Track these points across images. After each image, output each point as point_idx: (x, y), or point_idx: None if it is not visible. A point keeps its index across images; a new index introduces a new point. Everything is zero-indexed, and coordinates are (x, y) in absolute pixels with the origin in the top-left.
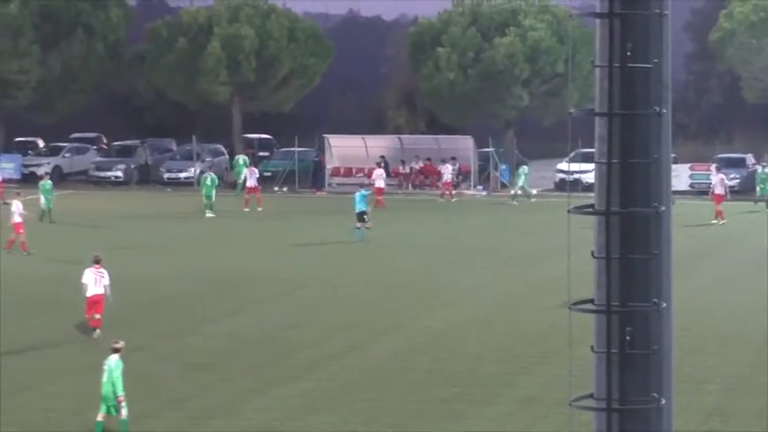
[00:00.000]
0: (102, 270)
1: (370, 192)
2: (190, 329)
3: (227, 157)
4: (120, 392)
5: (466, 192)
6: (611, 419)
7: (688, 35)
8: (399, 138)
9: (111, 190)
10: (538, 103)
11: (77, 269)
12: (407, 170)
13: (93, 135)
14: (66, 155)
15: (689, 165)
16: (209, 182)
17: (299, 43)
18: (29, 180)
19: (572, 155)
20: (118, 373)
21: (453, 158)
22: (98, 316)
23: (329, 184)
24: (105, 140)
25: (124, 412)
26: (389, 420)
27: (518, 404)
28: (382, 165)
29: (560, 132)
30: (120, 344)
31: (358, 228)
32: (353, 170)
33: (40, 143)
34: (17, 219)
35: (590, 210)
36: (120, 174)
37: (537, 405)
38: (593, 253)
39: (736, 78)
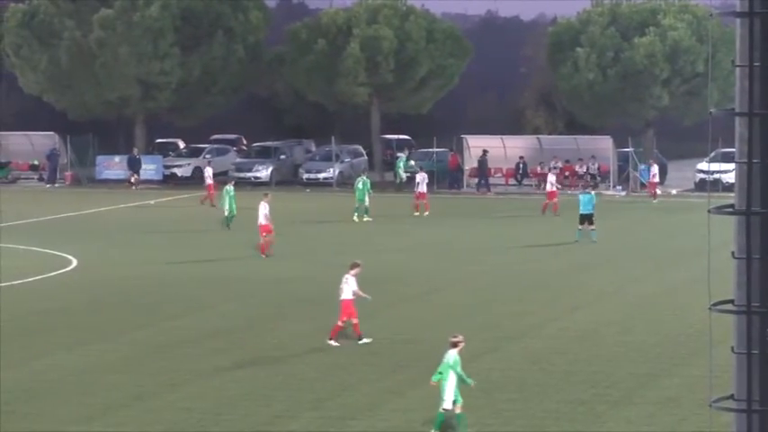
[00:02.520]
0: (349, 276)
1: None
2: (327, 330)
3: (365, 157)
4: (446, 389)
5: (605, 192)
6: (751, 421)
7: None
8: (538, 138)
9: (250, 191)
10: (677, 102)
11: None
12: (546, 170)
13: (233, 136)
14: (207, 156)
15: None
16: (360, 185)
17: (438, 44)
18: (169, 181)
19: (712, 155)
20: (458, 370)
21: (651, 160)
22: (355, 321)
23: (467, 185)
24: (245, 142)
25: (444, 404)
26: (528, 421)
27: (658, 405)
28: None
29: (700, 132)
30: (459, 338)
31: (580, 229)
32: (492, 171)
33: (181, 144)
34: (262, 221)
35: (730, 210)
36: (260, 174)
37: (677, 406)
38: (733, 253)
39: None
